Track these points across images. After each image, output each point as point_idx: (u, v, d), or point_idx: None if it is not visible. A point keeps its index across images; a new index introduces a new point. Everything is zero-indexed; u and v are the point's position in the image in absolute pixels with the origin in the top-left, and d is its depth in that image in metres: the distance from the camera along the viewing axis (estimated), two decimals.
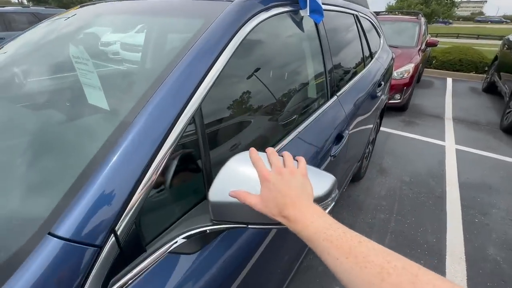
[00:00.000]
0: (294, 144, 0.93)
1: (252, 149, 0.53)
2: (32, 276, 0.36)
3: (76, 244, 0.38)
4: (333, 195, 0.51)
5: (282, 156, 0.53)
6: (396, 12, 8.22)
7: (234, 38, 0.69)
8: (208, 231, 0.53)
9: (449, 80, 6.62)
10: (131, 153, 0.47)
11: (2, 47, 1.19)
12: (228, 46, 0.67)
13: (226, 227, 0.53)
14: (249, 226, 0.52)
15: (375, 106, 1.92)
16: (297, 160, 0.53)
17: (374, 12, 6.18)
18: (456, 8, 16.41)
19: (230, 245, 0.60)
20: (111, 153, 0.46)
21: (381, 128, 3.66)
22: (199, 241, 0.54)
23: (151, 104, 0.52)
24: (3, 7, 7.06)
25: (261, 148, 0.62)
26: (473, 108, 4.64)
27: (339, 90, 1.33)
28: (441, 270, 1.66)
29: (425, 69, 6.92)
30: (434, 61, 7.33)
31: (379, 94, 1.93)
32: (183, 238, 0.51)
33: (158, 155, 0.49)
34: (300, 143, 0.96)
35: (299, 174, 0.49)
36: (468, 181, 2.57)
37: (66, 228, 0.39)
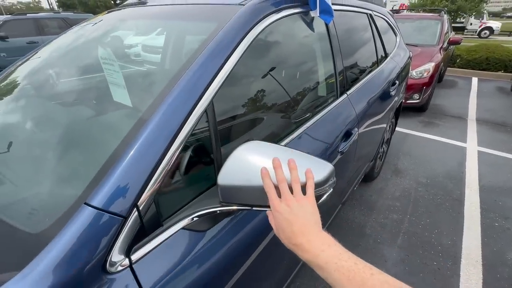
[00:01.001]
0: (302, 140, 0.97)
1: (265, 172, 0.51)
2: (72, 236, 0.43)
3: (106, 214, 0.46)
4: (330, 182, 0.56)
5: (289, 171, 0.51)
6: (419, 10, 7.95)
7: (245, 39, 0.75)
8: (218, 212, 0.59)
9: (475, 80, 6.30)
10: (151, 141, 0.54)
11: (37, 52, 1.32)
12: (239, 46, 0.73)
13: (233, 209, 0.59)
14: (253, 208, 0.57)
15: (389, 106, 1.91)
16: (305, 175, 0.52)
17: (395, 10, 6.02)
18: (485, 4, 15.47)
19: (241, 226, 0.66)
20: (136, 140, 0.53)
21: (398, 129, 3.59)
22: (209, 220, 0.61)
23: (168, 99, 0.59)
24: (37, 13, 7.60)
25: (269, 141, 0.68)
26: (500, 109, 4.41)
27: (349, 89, 1.36)
28: (455, 273, 1.63)
29: (448, 68, 6.64)
30: (458, 60, 7.00)
31: (393, 93, 1.91)
32: (195, 216, 0.58)
33: (173, 144, 0.56)
34: (308, 139, 1.01)
35: (307, 202, 0.49)
36: (490, 184, 2.46)
37: (98, 199, 0.47)
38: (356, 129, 1.29)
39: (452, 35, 5.41)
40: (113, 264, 0.46)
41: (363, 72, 1.61)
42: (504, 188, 2.42)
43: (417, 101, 3.92)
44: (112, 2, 29.71)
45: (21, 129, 0.82)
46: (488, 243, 1.83)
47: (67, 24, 7.63)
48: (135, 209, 0.49)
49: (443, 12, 5.16)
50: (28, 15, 7.10)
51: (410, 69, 3.74)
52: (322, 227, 0.48)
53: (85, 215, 0.45)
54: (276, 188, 0.50)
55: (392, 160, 2.89)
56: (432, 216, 2.10)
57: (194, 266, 0.57)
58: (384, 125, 1.99)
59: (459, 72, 6.89)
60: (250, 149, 0.58)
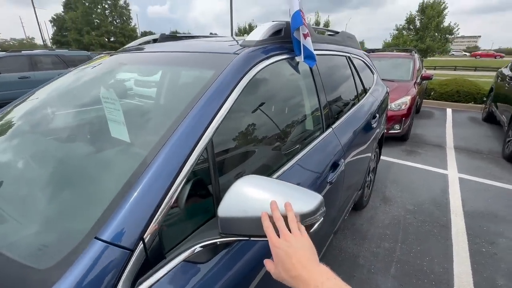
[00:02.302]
0: (293, 171, 1.04)
1: (264, 214, 0.57)
2: (81, 270, 0.46)
3: (115, 247, 0.49)
4: (320, 211, 0.61)
5: (286, 212, 0.56)
6: (393, 49, 8.76)
7: (240, 83, 0.85)
8: (218, 243, 0.62)
9: (449, 111, 6.79)
10: (155, 178, 0.59)
11: (35, 92, 1.37)
12: (235, 89, 0.83)
13: (232, 240, 0.63)
14: (251, 239, 0.61)
15: (372, 137, 2.05)
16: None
17: (371, 49, 6.63)
18: (450, 44, 17.34)
19: (239, 257, 0.69)
20: (142, 177, 0.58)
21: (383, 158, 3.75)
22: (209, 252, 0.64)
23: (172, 139, 0.65)
24: (32, 50, 7.82)
25: (263, 173, 0.73)
26: (474, 137, 4.72)
27: (334, 123, 1.48)
28: None
29: (424, 100, 7.16)
30: (432, 93, 7.59)
31: (374, 125, 2.06)
32: (197, 248, 0.61)
33: (176, 180, 0.61)
34: (299, 170, 1.07)
35: (304, 238, 0.53)
36: (473, 210, 2.56)
37: (107, 234, 0.50)
38: (342, 160, 1.37)
39: (424, 71, 5.93)
40: None
41: (345, 107, 1.76)
42: (486, 213, 2.52)
43: (398, 131, 4.16)
44: (106, 40, 30.97)
45: (34, 167, 0.85)
46: (478, 270, 1.87)
47: (62, 61, 7.87)
48: (141, 242, 0.52)
49: (413, 51, 5.73)
50: (23, 52, 7.29)
51: (390, 102, 4.04)
52: None
53: (95, 249, 0.48)
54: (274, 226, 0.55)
55: (380, 188, 2.98)
56: (422, 243, 2.13)
57: None
58: (369, 155, 2.10)
59: (434, 103, 7.43)
60: (247, 183, 0.63)
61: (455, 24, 16.54)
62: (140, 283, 0.52)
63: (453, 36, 16.71)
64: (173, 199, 0.59)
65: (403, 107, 4.11)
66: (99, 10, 30.58)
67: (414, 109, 4.63)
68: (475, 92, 7.05)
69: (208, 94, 0.77)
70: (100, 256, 0.48)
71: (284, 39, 1.20)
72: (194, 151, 0.66)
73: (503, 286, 1.73)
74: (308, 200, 0.60)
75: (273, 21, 1.22)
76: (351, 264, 1.93)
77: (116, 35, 31.46)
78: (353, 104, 1.88)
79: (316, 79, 1.37)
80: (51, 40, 33.65)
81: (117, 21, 32.56)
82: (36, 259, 0.52)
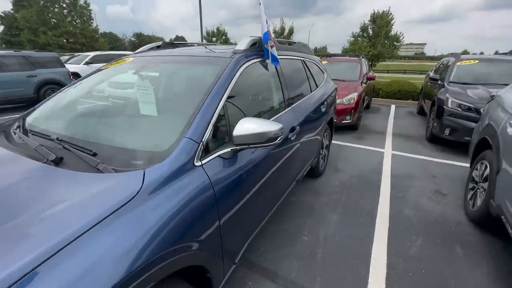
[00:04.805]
0: None
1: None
2: (182, 148, 1.08)
3: (193, 141, 1.12)
4: (282, 131, 1.29)
5: None
6: (347, 55, 10.03)
7: (236, 74, 1.52)
8: (238, 149, 1.27)
9: (393, 106, 8.11)
10: (203, 117, 1.22)
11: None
12: (234, 77, 1.49)
13: (241, 147, 1.28)
14: (249, 146, 1.27)
15: (321, 117, 2.82)
16: None
17: (330, 55, 7.69)
18: (398, 50, 19.80)
19: (245, 155, 1.38)
20: (198, 115, 1.21)
21: (337, 142, 4.65)
22: (230, 153, 1.29)
23: (209, 97, 1.29)
24: None
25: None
26: (408, 126, 5.90)
27: (292, 104, 2.20)
28: (372, 223, 2.45)
29: (374, 98, 8.42)
30: (380, 92, 8.93)
31: (323, 109, 2.85)
32: (224, 151, 1.25)
33: (212, 119, 1.24)
34: None
35: None
36: (398, 173, 3.50)
37: (189, 135, 1.13)
38: (298, 127, 2.10)
39: (371, 73, 7.09)
40: (197, 161, 1.11)
41: (301, 95, 2.50)
42: (406, 175, 3.47)
43: (349, 121, 5.11)
44: (65, 41, 29.10)
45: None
46: (393, 206, 2.73)
47: (28, 62, 7.73)
48: (201, 142, 1.16)
49: (361, 56, 6.86)
50: None
51: (341, 98, 4.97)
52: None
53: (185, 141, 1.10)
54: None
55: (333, 163, 3.82)
56: (359, 194, 2.97)
57: (226, 175, 1.23)
58: (320, 131, 2.88)
59: (382, 101, 8.75)
60: (246, 120, 1.29)
61: (400, 33, 18.93)
62: (203, 159, 1.16)
63: (399, 43, 19.02)
64: (213, 126, 1.23)
65: (351, 101, 5.07)
66: (56, 9, 28.71)
67: (362, 104, 5.65)
68: (412, 91, 8.50)
69: (222, 79, 1.42)
70: (188, 144, 1.10)
71: (258, 48, 1.89)
72: (219, 105, 1.30)
73: (406, 213, 2.60)
74: (275, 125, 1.28)
75: (251, 37, 1.91)
76: (310, 209, 2.68)
77: (77, 36, 29.75)
78: (306, 94, 2.64)
79: (280, 75, 2.09)
80: None
81: (77, 21, 30.84)
82: (158, 147, 1.13)
